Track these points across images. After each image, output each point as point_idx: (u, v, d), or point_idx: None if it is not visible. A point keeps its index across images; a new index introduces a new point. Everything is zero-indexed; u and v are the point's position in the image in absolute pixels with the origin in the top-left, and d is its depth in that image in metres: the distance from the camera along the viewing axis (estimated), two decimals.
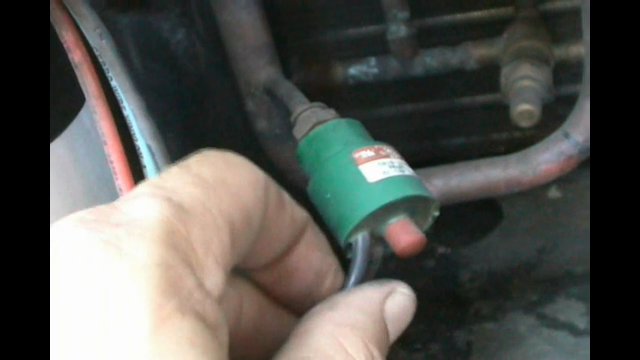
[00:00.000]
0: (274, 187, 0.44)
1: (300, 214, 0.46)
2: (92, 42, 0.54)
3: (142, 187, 0.38)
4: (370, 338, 0.43)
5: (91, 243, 0.33)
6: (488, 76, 1.09)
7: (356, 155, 0.52)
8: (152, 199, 0.36)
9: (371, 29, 1.13)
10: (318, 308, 0.45)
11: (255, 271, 0.47)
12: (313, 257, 0.47)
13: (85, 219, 0.35)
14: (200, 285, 0.35)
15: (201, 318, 0.33)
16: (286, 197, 0.45)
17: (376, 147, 0.53)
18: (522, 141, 1.00)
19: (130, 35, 0.95)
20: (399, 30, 1.05)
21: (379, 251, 0.51)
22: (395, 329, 0.46)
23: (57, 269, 0.33)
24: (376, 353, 0.43)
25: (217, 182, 0.39)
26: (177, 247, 0.34)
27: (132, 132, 0.56)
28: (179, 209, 0.36)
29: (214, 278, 0.36)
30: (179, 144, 0.97)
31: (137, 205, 0.36)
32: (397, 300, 0.46)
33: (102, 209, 0.36)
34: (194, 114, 0.99)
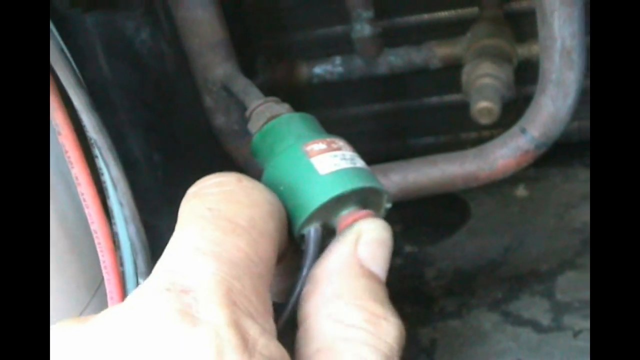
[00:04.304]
0: (283, 208, 0.49)
1: None
2: None
3: (190, 240, 0.42)
4: (360, 295, 0.45)
5: (169, 314, 0.38)
6: (456, 76, 1.10)
7: (308, 148, 0.52)
8: (205, 259, 0.41)
9: (338, 28, 1.14)
10: (304, 291, 0.46)
11: None
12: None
13: (159, 288, 0.40)
14: (263, 330, 0.40)
15: (268, 358, 0.39)
16: None
17: (328, 140, 0.53)
18: (490, 140, 1.01)
19: (95, 34, 0.95)
20: (362, 29, 1.06)
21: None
22: (380, 266, 0.47)
23: (143, 339, 0.38)
24: (371, 305, 0.44)
25: (249, 224, 0.44)
26: (237, 303, 0.40)
27: (83, 124, 0.57)
28: (230, 265, 0.41)
29: (269, 320, 0.41)
30: (144, 141, 0.97)
31: (195, 268, 0.41)
32: (367, 241, 0.47)
33: (167, 274, 0.40)
34: (159, 111, 0.99)
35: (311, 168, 0.51)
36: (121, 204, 0.59)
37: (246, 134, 0.60)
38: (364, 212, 0.50)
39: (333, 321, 0.44)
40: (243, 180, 0.47)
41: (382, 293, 0.46)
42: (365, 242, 0.47)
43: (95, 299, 0.67)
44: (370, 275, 0.46)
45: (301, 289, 0.47)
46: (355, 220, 0.49)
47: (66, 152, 0.57)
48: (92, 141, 0.57)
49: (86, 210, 0.58)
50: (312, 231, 0.50)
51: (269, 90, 0.68)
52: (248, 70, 0.97)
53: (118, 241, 0.60)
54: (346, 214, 0.50)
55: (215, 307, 0.39)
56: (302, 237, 0.50)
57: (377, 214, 0.52)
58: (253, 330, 0.39)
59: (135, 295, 0.40)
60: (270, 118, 0.57)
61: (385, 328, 0.44)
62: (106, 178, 0.59)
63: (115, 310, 0.40)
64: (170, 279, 0.40)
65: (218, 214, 0.44)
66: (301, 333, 0.44)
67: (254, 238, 0.43)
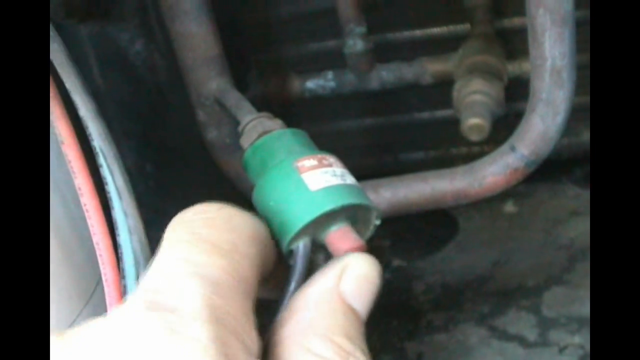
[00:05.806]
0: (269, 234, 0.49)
1: None
2: None
3: (172, 261, 0.43)
4: (333, 329, 0.45)
5: (154, 331, 0.39)
6: (447, 92, 1.11)
7: (299, 164, 0.52)
8: (189, 280, 0.42)
9: (330, 43, 1.14)
10: (280, 317, 0.46)
11: None
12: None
13: (142, 307, 0.40)
14: (247, 348, 0.40)
15: None
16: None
17: (319, 156, 0.53)
18: (480, 156, 1.02)
19: (89, 45, 0.96)
20: (355, 44, 1.07)
21: (320, 258, 0.52)
22: (362, 303, 0.47)
23: (126, 355, 0.38)
24: (342, 340, 0.44)
25: (231, 247, 0.44)
26: (222, 320, 0.40)
27: (88, 133, 0.57)
28: (213, 285, 0.42)
29: (253, 338, 0.42)
30: (137, 151, 0.98)
31: (179, 287, 0.41)
32: (352, 276, 0.47)
33: (150, 293, 0.41)
34: (152, 123, 1.00)
35: (302, 184, 0.51)
36: (125, 214, 0.59)
37: (238, 148, 0.60)
38: (354, 239, 0.50)
39: (304, 350, 0.44)
40: (225, 208, 0.47)
41: (356, 331, 0.45)
42: (350, 276, 0.47)
43: (87, 308, 0.67)
44: (348, 310, 0.46)
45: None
46: (346, 251, 0.50)
47: (69, 161, 0.56)
48: (98, 150, 0.57)
49: (89, 222, 0.58)
50: (301, 247, 0.50)
51: (261, 104, 0.68)
52: (240, 83, 0.97)
53: (121, 253, 0.60)
54: (335, 230, 0.51)
55: (200, 324, 0.39)
56: (291, 252, 0.50)
57: (366, 232, 0.53)
58: (237, 348, 0.40)
59: (116, 313, 0.40)
60: (262, 133, 0.58)
61: None
62: (110, 188, 0.58)
63: (95, 326, 0.40)
64: (154, 298, 0.40)
65: (199, 237, 0.44)
66: (269, 351, 0.44)
67: (236, 260, 0.44)
